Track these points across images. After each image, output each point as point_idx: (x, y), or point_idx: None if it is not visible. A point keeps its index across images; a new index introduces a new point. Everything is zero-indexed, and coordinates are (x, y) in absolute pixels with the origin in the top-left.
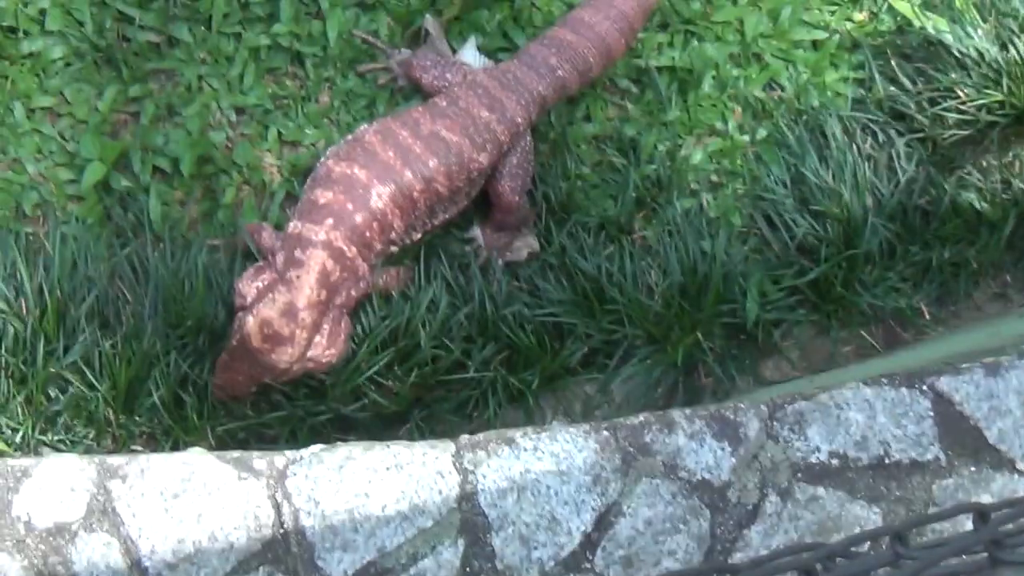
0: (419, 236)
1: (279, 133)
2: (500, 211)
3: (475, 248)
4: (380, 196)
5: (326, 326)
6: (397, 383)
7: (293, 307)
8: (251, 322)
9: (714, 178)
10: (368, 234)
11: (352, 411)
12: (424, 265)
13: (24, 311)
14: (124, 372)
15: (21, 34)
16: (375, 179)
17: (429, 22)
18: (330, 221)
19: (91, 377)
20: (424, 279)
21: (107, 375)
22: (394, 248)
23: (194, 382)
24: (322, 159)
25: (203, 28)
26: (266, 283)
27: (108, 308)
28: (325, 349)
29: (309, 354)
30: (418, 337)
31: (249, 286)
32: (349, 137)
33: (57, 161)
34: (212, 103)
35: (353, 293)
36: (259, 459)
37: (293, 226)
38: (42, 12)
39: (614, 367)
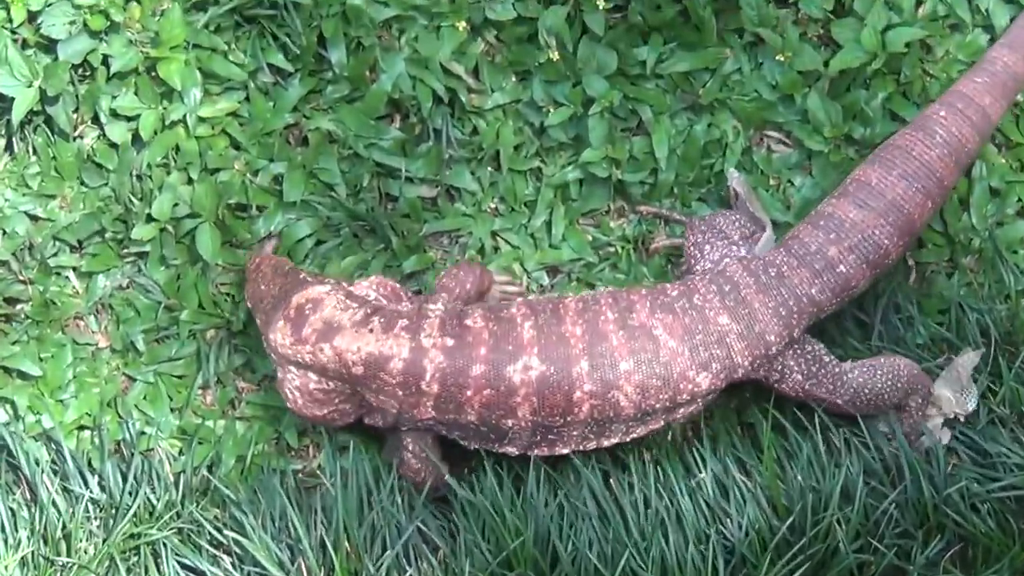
0: (571, 449)
1: None
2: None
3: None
4: (528, 368)
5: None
6: None
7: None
8: None
9: None
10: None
11: None
12: (822, 436)
13: (305, 572)
14: None
15: (254, 210)
16: (542, 352)
17: (736, 179)
18: (445, 296)
19: None
20: (828, 455)
21: None
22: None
23: None
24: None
25: (490, 169)
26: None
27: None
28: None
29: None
30: (835, 539)
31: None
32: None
33: None
34: (515, 265)
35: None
36: None
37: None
38: (277, 179)
39: None
